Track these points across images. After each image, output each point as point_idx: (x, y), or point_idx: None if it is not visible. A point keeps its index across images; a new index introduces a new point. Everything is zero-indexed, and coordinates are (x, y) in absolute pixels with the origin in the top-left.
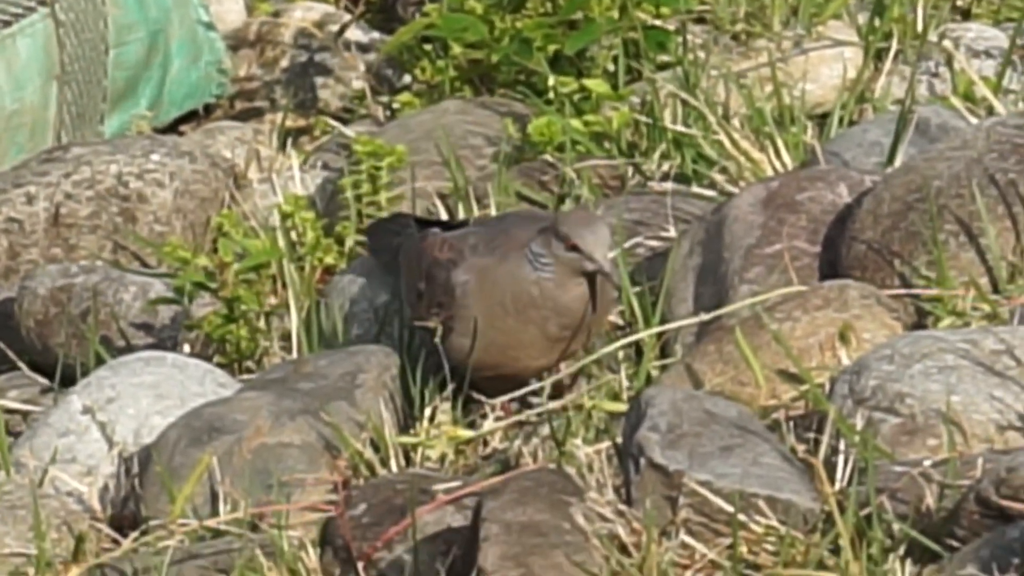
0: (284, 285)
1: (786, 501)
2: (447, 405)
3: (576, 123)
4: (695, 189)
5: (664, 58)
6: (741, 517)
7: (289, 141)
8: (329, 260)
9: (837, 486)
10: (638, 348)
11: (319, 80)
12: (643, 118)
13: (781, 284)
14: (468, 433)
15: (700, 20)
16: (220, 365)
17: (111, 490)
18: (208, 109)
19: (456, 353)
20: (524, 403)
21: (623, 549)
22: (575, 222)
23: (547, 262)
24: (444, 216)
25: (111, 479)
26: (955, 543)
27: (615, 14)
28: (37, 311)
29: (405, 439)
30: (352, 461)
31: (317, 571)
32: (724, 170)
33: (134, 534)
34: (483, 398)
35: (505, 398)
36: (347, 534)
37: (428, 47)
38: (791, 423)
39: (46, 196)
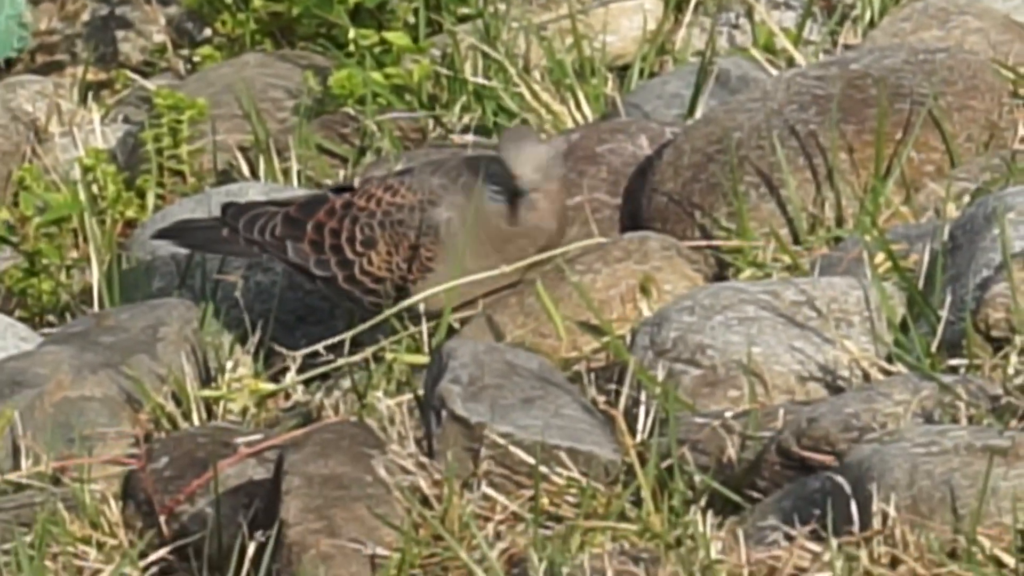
0: (85, 239)
1: (587, 453)
2: (248, 358)
3: (377, 76)
4: (496, 141)
5: (465, 10)
6: (542, 469)
7: (90, 95)
8: (130, 213)
9: (638, 438)
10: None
11: (120, 34)
12: (444, 70)
13: (582, 236)
14: (270, 386)
15: None
16: (21, 319)
17: None
18: (9, 63)
19: (436, 295)
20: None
21: (425, 501)
22: (504, 139)
23: (498, 190)
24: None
25: None
26: (757, 494)
27: None
28: None
29: (207, 392)
30: (154, 415)
31: (119, 524)
32: (525, 122)
33: None
34: (284, 350)
35: (307, 350)
36: (149, 487)
37: (229, 0)
38: (592, 375)
39: None
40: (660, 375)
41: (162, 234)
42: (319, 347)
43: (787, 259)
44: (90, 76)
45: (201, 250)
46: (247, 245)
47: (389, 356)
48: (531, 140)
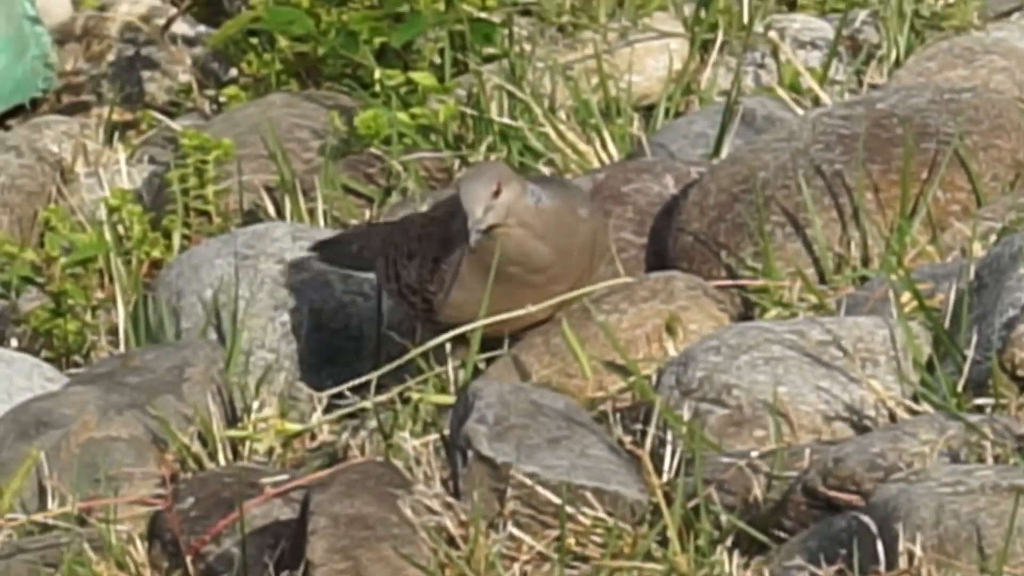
0: (111, 279)
1: (613, 493)
2: (274, 399)
3: (402, 116)
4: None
5: (490, 50)
6: (568, 509)
7: (116, 135)
8: (156, 254)
9: (664, 478)
10: (465, 340)
11: (146, 74)
12: (469, 110)
13: (608, 276)
14: (296, 426)
15: (526, 12)
16: (47, 359)
17: None
18: (35, 103)
19: (452, 308)
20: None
21: (451, 541)
22: (463, 175)
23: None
24: None
25: None
26: (783, 534)
27: (441, 6)
28: None
29: (233, 433)
30: (180, 455)
31: (145, 565)
32: (551, 162)
33: None
34: (310, 390)
35: (333, 391)
36: (175, 528)
37: (254, 40)
38: (618, 415)
39: None
40: (686, 415)
41: (314, 248)
42: (345, 388)
43: (813, 298)
44: (116, 116)
45: (337, 265)
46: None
47: (415, 396)
48: (482, 177)
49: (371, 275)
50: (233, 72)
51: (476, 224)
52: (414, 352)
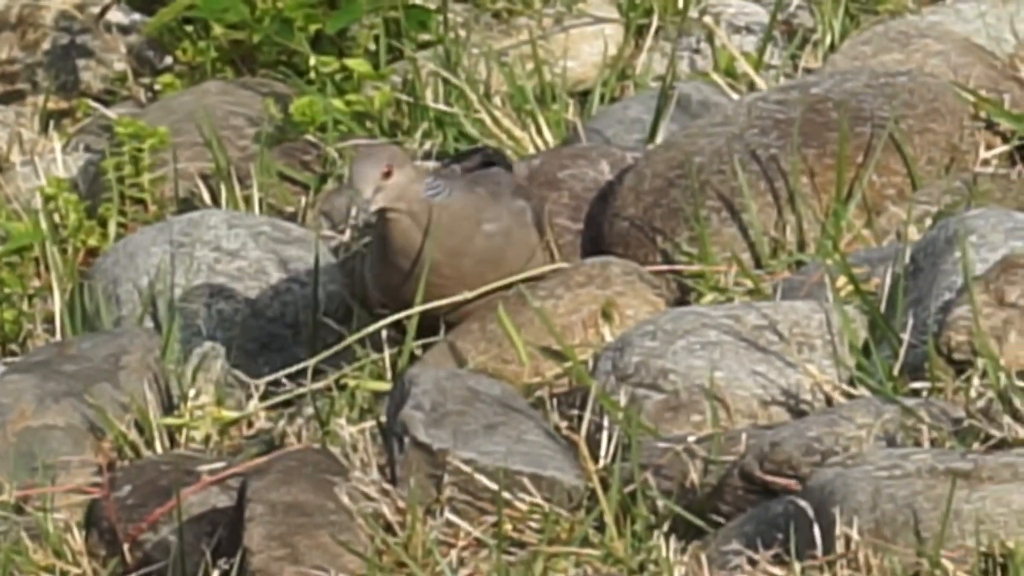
0: (47, 267)
1: (550, 478)
2: (211, 386)
3: (338, 103)
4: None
5: (425, 37)
6: (505, 495)
7: (51, 123)
8: (92, 242)
9: (601, 463)
10: (401, 327)
11: (81, 62)
12: (405, 97)
13: (544, 261)
14: (232, 414)
15: None
16: None
17: None
18: None
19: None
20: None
21: (388, 528)
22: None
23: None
24: None
25: None
26: (720, 519)
27: None
28: None
29: (169, 420)
30: (117, 443)
31: (83, 553)
32: (496, 147)
33: None
34: (246, 378)
35: (269, 378)
36: (112, 516)
37: (189, 28)
38: (555, 400)
39: None
40: (623, 400)
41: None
42: (281, 375)
43: (749, 283)
44: (51, 105)
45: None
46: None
47: (352, 383)
48: (372, 157)
49: (308, 262)
50: (168, 60)
51: (363, 204)
52: (350, 339)
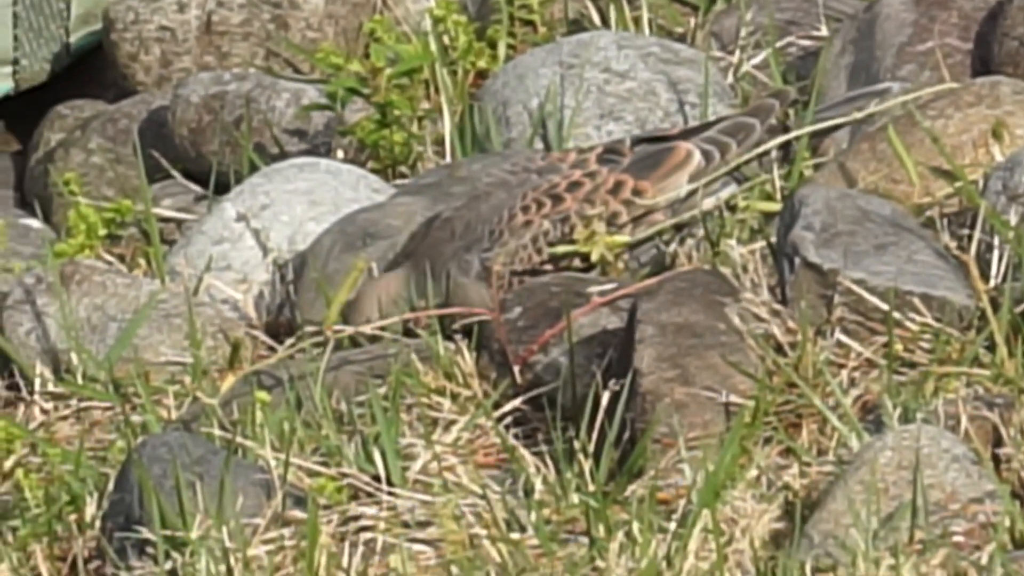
0: (437, 90)
1: (941, 298)
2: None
3: None
4: None
5: None
6: (896, 315)
7: None
8: (481, 64)
9: (992, 283)
10: (790, 147)
11: None
12: None
13: (933, 81)
14: (624, 238)
15: None
16: (374, 170)
17: (266, 297)
18: None
19: None
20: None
21: (779, 349)
22: None
23: None
24: None
25: (266, 286)
26: None
27: None
28: (190, 119)
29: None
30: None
31: (473, 375)
32: None
33: (289, 340)
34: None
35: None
36: (503, 338)
37: None
38: (945, 220)
39: (198, 4)
40: (1013, 219)
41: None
42: (674, 195)
43: None
44: None
45: None
46: None
47: (742, 204)
48: None
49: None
50: None
51: None
52: (741, 159)
